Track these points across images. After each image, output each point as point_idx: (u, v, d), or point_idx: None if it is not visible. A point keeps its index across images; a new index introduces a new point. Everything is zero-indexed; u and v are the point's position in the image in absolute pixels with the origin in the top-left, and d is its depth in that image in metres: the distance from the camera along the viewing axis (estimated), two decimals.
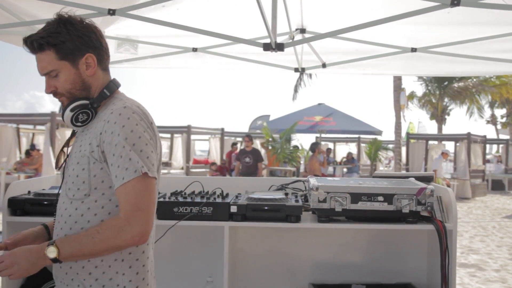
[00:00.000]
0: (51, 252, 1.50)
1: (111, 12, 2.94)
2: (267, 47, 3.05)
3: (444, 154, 13.66)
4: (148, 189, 1.53)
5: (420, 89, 28.34)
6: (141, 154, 1.54)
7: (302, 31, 4.03)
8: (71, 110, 1.64)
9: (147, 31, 3.94)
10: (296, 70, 4.77)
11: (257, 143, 19.13)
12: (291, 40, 3.65)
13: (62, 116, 1.66)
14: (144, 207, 1.51)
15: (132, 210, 1.50)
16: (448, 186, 11.61)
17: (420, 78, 26.32)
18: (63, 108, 1.66)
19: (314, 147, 12.12)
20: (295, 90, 21.58)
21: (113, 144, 1.54)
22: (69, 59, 1.62)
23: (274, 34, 2.98)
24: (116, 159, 1.53)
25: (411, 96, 27.43)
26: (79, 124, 1.65)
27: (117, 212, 1.57)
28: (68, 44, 1.60)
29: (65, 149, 1.78)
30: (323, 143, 20.62)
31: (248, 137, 11.32)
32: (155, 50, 4.37)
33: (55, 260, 1.50)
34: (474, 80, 24.74)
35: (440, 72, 7.88)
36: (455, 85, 25.49)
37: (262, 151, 17.53)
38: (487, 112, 32.25)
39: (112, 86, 1.70)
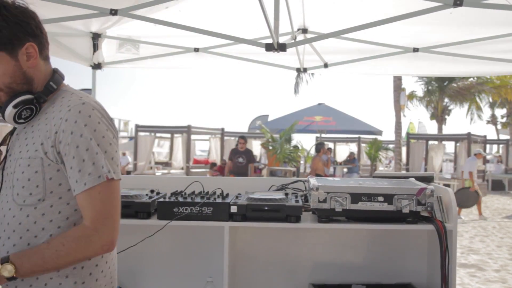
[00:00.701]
0: (7, 271, 1.33)
1: (113, 12, 2.94)
2: (269, 47, 3.05)
3: (479, 154, 12.08)
4: (114, 195, 1.43)
5: (420, 89, 28.30)
6: (105, 156, 1.41)
7: (304, 31, 4.04)
8: (14, 107, 1.44)
9: (149, 31, 3.95)
10: (298, 70, 4.78)
11: (257, 143, 19.18)
12: (293, 41, 3.66)
13: (2, 113, 1.47)
14: (111, 214, 1.41)
15: (100, 218, 1.39)
16: (478, 193, 11.19)
17: (420, 78, 26.33)
18: (3, 104, 1.46)
19: (320, 147, 12.15)
20: (296, 87, 21.58)
21: (73, 145, 1.39)
22: (7, 49, 1.42)
23: (277, 35, 2.99)
24: (77, 162, 1.39)
25: (411, 96, 27.44)
26: (21, 121, 1.47)
27: (76, 217, 1.44)
28: (5, 32, 1.41)
29: (2, 148, 1.58)
30: None
31: (243, 138, 11.37)
32: (157, 50, 4.38)
33: (11, 278, 1.34)
34: (474, 79, 24.74)
35: (442, 72, 7.90)
36: (454, 84, 25.49)
37: (263, 151, 17.55)
38: (487, 112, 32.28)
39: (58, 78, 1.53)
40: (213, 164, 14.24)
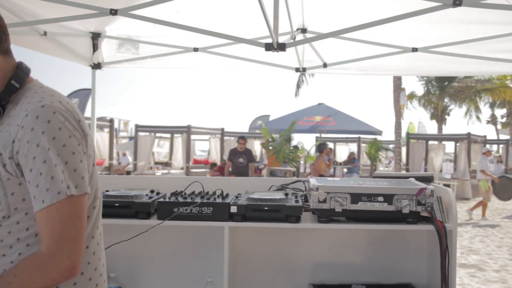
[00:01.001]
0: None
1: (113, 12, 2.94)
2: (269, 47, 3.05)
3: (487, 152, 12.25)
4: (76, 213, 1.24)
5: (420, 89, 28.34)
6: (66, 168, 1.23)
7: (303, 31, 4.04)
8: None
9: (148, 31, 3.95)
10: (297, 70, 4.78)
11: (257, 143, 19.19)
12: (292, 40, 3.65)
13: None
14: (71, 235, 1.23)
15: (57, 241, 1.21)
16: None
17: (420, 77, 26.35)
18: None
19: (323, 147, 12.18)
20: (298, 87, 21.59)
21: (30, 156, 1.22)
22: None
23: (276, 34, 2.99)
24: (34, 176, 1.22)
25: (412, 96, 27.45)
26: None
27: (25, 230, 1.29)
28: None
29: None
30: None
31: (243, 139, 11.37)
32: (156, 50, 4.38)
33: None
34: (474, 79, 24.74)
35: (441, 72, 7.91)
36: (456, 84, 25.50)
37: (263, 151, 17.54)
38: (487, 112, 32.30)
39: (21, 75, 1.34)
40: (214, 164, 14.24)
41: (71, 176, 1.24)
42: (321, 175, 11.05)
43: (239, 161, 11.02)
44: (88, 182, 1.29)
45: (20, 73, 1.34)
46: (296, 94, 21.63)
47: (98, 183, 1.44)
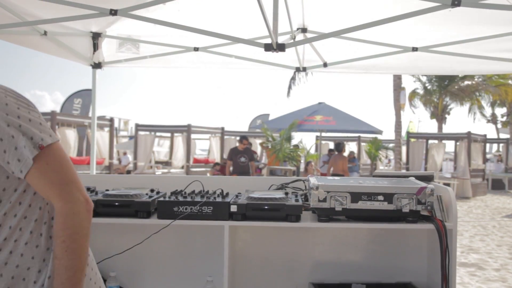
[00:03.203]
0: None
1: (113, 12, 2.94)
2: (268, 47, 3.05)
3: None
4: (62, 158, 1.32)
5: (420, 88, 28.28)
6: (32, 125, 1.30)
7: (304, 30, 4.04)
8: None
9: (149, 30, 3.95)
10: (297, 69, 4.78)
11: (257, 142, 19.18)
12: (292, 40, 3.65)
13: None
14: (70, 177, 1.32)
15: (64, 189, 1.30)
16: None
17: (418, 78, 26.35)
18: None
19: (342, 146, 12.28)
20: (289, 87, 21.55)
21: None
22: None
23: (275, 35, 2.98)
24: (11, 154, 1.26)
25: (413, 94, 27.44)
26: None
27: (38, 210, 1.35)
28: None
29: None
30: (323, 142, 20.62)
31: (246, 139, 11.38)
32: (157, 49, 4.38)
33: None
34: (476, 79, 24.74)
35: (441, 71, 7.89)
36: (459, 83, 25.47)
37: (263, 151, 17.54)
38: (488, 111, 32.29)
39: None
40: (216, 164, 14.17)
41: (40, 130, 1.31)
42: (339, 175, 11.09)
43: (240, 160, 11.00)
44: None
45: None
46: (288, 94, 21.58)
47: None
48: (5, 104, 1.28)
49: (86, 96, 17.86)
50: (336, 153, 12.38)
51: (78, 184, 1.33)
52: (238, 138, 19.85)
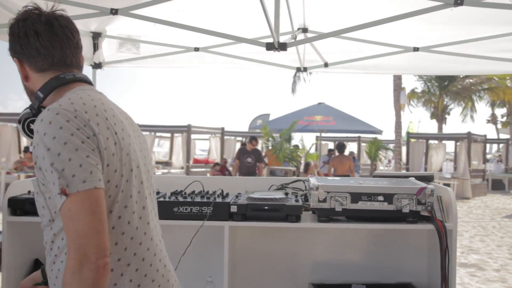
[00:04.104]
0: None
1: (114, 12, 2.94)
2: (270, 47, 3.04)
3: None
4: (87, 208, 1.22)
5: (420, 88, 28.29)
6: (69, 165, 1.23)
7: (304, 30, 4.03)
8: (19, 122, 1.45)
9: (149, 30, 3.95)
10: (298, 69, 4.78)
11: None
12: (293, 40, 3.65)
13: None
14: (84, 232, 1.20)
15: (74, 241, 1.21)
16: None
17: (420, 77, 26.34)
18: None
19: (345, 147, 12.37)
20: (294, 83, 21.53)
21: (40, 158, 1.27)
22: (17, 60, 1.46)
23: (277, 34, 2.98)
24: (48, 177, 1.26)
25: (413, 94, 27.43)
26: (32, 135, 1.38)
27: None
28: (10, 44, 1.44)
29: None
30: (323, 142, 20.63)
31: (256, 140, 11.43)
32: (157, 49, 4.37)
33: None
34: (475, 79, 24.74)
35: (442, 72, 7.91)
36: (459, 83, 25.46)
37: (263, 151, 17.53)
38: (487, 111, 32.29)
39: (48, 86, 1.42)
40: (216, 164, 14.14)
41: (76, 171, 1.23)
42: (345, 175, 11.12)
43: (247, 160, 11.04)
44: (100, 176, 1.27)
45: (47, 85, 1.41)
46: (293, 91, 21.52)
47: (133, 178, 1.41)
48: (59, 128, 1.26)
49: None
50: (337, 153, 12.39)
51: (95, 240, 1.21)
52: (239, 138, 19.91)
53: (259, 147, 19.01)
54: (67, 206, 1.22)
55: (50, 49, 1.41)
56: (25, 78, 1.46)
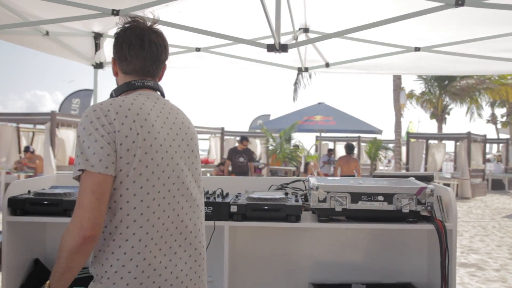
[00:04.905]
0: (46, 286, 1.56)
1: (115, 13, 2.95)
2: (271, 48, 3.04)
3: None
4: (91, 187, 1.50)
5: (419, 89, 28.33)
6: (87, 151, 1.53)
7: (306, 30, 4.03)
8: None
9: None
10: (299, 70, 4.77)
11: (258, 142, 19.19)
12: (294, 41, 3.65)
13: None
14: (83, 204, 1.49)
15: (75, 209, 1.50)
16: None
17: (419, 77, 26.33)
18: None
19: (353, 149, 12.44)
20: (295, 91, 21.57)
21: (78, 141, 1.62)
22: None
23: (278, 35, 2.98)
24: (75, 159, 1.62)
25: (410, 95, 27.43)
26: None
27: (115, 210, 1.58)
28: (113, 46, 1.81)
29: None
30: (323, 142, 20.62)
31: (247, 140, 11.42)
32: None
33: None
34: (475, 78, 24.73)
35: (444, 72, 7.91)
36: (458, 83, 25.46)
37: (263, 150, 17.53)
38: (487, 111, 32.30)
39: (120, 88, 1.76)
40: (221, 164, 13.98)
41: (88, 157, 1.53)
42: (351, 176, 11.16)
43: (239, 160, 11.01)
44: (107, 164, 1.53)
45: (120, 87, 1.77)
46: (294, 99, 21.59)
47: (149, 174, 1.61)
48: (90, 122, 1.58)
49: (84, 96, 17.84)
50: (344, 154, 12.43)
51: (88, 213, 1.49)
52: (237, 138, 19.89)
53: (259, 147, 19.05)
54: (80, 180, 1.53)
55: (135, 59, 1.74)
56: (115, 74, 1.82)
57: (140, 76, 1.77)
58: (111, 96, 1.76)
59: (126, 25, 1.75)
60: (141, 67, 1.76)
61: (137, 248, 1.58)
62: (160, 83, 1.85)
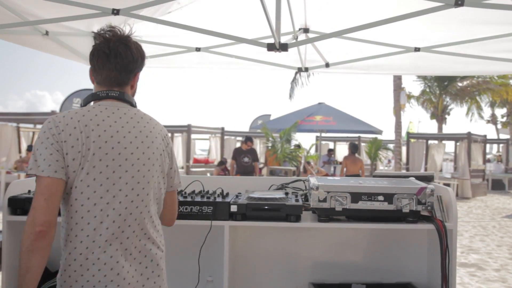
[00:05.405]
0: None
1: (115, 12, 2.94)
2: (271, 47, 3.04)
3: None
4: (40, 189, 1.67)
5: (418, 89, 28.35)
6: (38, 158, 1.70)
7: (306, 30, 4.03)
8: None
9: (151, 30, 3.95)
10: (299, 69, 4.77)
11: (257, 143, 19.18)
12: (294, 40, 3.65)
13: None
14: (34, 205, 1.65)
15: (30, 210, 1.66)
16: None
17: (419, 77, 26.33)
18: None
19: (358, 148, 12.47)
20: (292, 89, 21.54)
21: None
22: None
23: (278, 34, 2.98)
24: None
25: (409, 96, 27.43)
26: None
27: (66, 214, 1.76)
28: None
29: None
30: (323, 142, 20.62)
31: (251, 141, 11.43)
32: (158, 49, 4.37)
33: None
34: (476, 79, 24.72)
35: (443, 72, 7.87)
36: (459, 83, 25.45)
37: (263, 150, 17.53)
38: (487, 112, 32.29)
39: (87, 99, 1.90)
40: (221, 162, 13.97)
41: (39, 163, 1.70)
42: (357, 175, 11.18)
43: (244, 160, 11.03)
44: (56, 169, 1.69)
45: (86, 97, 1.90)
46: (291, 96, 21.55)
47: (90, 180, 1.74)
48: (43, 132, 1.75)
49: (85, 95, 17.81)
50: (348, 153, 12.44)
51: (38, 212, 1.65)
52: (239, 138, 19.88)
53: (259, 147, 19.04)
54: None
55: (102, 69, 1.86)
56: (92, 82, 1.92)
57: (108, 85, 1.88)
58: (81, 105, 1.92)
59: (102, 36, 1.87)
60: (107, 77, 1.87)
61: (91, 249, 1.71)
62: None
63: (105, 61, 1.85)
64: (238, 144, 18.04)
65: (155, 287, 1.86)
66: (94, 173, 1.73)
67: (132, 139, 1.81)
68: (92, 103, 1.89)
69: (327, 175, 13.34)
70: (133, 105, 1.91)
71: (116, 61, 1.84)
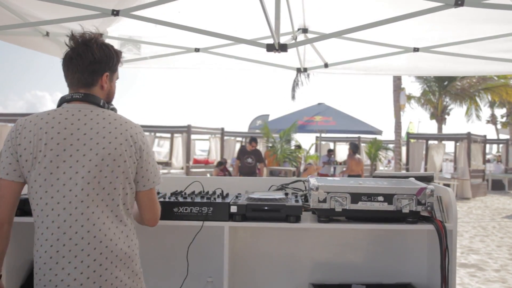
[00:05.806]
0: None
1: (115, 13, 2.95)
2: (270, 48, 3.04)
3: None
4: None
5: (418, 90, 28.32)
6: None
7: (305, 31, 4.03)
8: None
9: (150, 31, 3.95)
10: (298, 70, 4.77)
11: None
12: (294, 41, 3.65)
13: None
14: None
15: None
16: None
17: (419, 77, 26.33)
18: None
19: (359, 148, 12.48)
20: (293, 89, 21.59)
21: None
22: None
23: (277, 35, 2.98)
24: None
25: (409, 97, 27.45)
26: None
27: (34, 213, 1.86)
28: None
29: None
30: (323, 143, 20.62)
31: (256, 142, 11.46)
32: (158, 50, 4.38)
33: None
34: (476, 79, 24.73)
35: (443, 72, 7.90)
36: (458, 83, 25.45)
37: (262, 150, 17.54)
38: (487, 112, 32.30)
39: (58, 102, 1.95)
40: (220, 163, 13.95)
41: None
42: (358, 175, 11.20)
43: (247, 161, 11.06)
44: (8, 171, 1.83)
45: (59, 101, 1.95)
46: (293, 97, 21.61)
47: (42, 180, 1.82)
48: (7, 136, 1.89)
49: None
50: (351, 153, 12.44)
51: None
52: (239, 139, 19.89)
53: (259, 147, 19.04)
54: None
55: (66, 72, 1.93)
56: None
57: (74, 88, 1.93)
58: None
59: (69, 41, 1.92)
60: (72, 80, 1.92)
61: (39, 234, 1.83)
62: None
63: (69, 64, 1.91)
64: (238, 145, 18.06)
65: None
66: (45, 174, 1.80)
67: (86, 141, 1.84)
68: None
69: (326, 175, 13.33)
70: (100, 105, 1.92)
71: (77, 63, 1.89)
